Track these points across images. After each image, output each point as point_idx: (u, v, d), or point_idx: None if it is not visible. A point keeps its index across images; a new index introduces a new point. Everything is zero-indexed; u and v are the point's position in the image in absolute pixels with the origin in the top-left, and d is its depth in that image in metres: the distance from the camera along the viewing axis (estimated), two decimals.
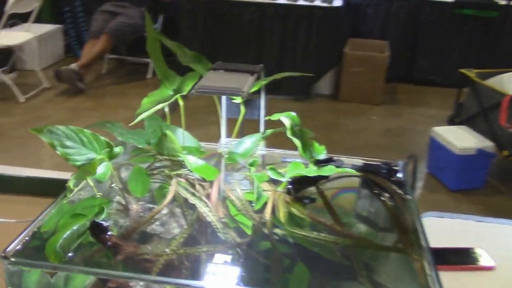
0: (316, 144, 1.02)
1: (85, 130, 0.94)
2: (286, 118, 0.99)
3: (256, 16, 3.96)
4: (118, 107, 3.92)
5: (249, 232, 0.92)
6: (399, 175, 1.08)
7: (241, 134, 1.18)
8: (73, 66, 4.12)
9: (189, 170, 1.04)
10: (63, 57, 5.08)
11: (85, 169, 0.87)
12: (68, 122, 3.50)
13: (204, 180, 1.04)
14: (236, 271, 0.85)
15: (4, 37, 3.87)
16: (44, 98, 4.06)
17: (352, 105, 4.02)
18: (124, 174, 1.10)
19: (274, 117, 1.01)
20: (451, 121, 3.27)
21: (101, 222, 0.84)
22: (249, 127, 1.20)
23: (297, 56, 4.02)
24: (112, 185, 1.02)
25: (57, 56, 5.01)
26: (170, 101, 1.02)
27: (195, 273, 0.87)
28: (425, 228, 0.90)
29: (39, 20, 4.49)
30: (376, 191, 1.04)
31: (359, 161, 1.12)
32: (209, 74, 1.04)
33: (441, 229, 1.33)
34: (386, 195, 1.02)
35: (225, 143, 1.18)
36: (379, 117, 3.89)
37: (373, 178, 1.05)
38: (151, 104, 1.01)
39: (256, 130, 1.18)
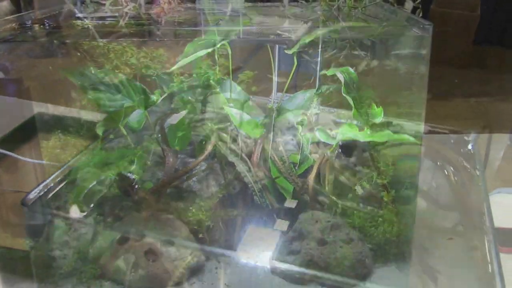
0: (374, 106, 0.89)
1: (120, 74, 0.87)
2: (342, 74, 0.87)
3: None
4: None
5: (288, 197, 0.83)
6: (470, 147, 0.94)
7: (294, 89, 1.07)
8: None
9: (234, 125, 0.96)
10: None
11: (112, 117, 0.81)
12: None
13: (249, 137, 0.95)
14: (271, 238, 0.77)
15: None
16: None
17: (432, 67, 3.76)
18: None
19: (330, 72, 0.90)
20: None
21: (129, 174, 0.78)
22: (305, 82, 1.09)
23: None
24: (152, 135, 0.95)
25: None
26: (216, 47, 0.92)
27: (229, 237, 0.80)
28: (491, 209, 0.78)
29: None
30: (440, 164, 0.91)
31: (423, 128, 0.99)
32: (258, 19, 0.93)
33: None
34: (452, 169, 0.89)
35: (276, 98, 1.08)
36: (463, 82, 3.62)
37: (438, 148, 0.92)
38: (195, 51, 0.92)
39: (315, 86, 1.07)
